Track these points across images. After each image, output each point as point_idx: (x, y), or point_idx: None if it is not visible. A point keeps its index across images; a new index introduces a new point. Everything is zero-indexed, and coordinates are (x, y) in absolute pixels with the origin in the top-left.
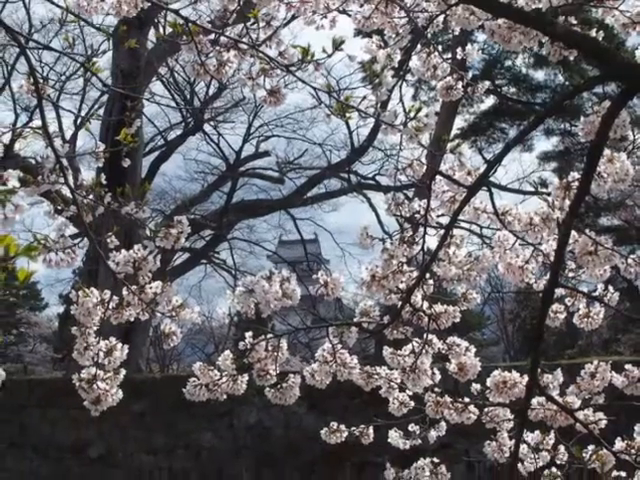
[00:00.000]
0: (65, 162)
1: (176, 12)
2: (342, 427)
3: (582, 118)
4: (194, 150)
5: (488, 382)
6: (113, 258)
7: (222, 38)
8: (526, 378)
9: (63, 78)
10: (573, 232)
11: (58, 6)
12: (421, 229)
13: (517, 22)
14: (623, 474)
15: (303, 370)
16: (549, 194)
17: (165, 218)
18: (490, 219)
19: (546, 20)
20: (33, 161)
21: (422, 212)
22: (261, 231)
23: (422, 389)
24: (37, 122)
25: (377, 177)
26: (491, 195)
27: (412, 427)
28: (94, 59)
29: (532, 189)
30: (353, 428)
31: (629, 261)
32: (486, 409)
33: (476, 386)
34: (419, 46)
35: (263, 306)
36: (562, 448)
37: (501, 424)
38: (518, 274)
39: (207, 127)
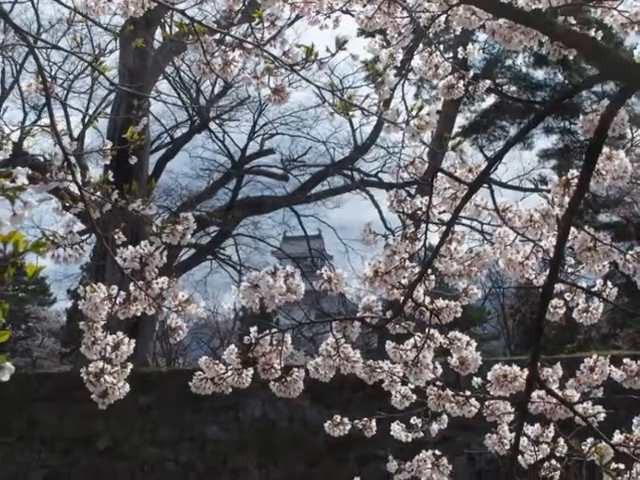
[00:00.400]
0: (73, 159)
1: (182, 12)
2: (345, 420)
3: (581, 116)
4: (200, 148)
5: (489, 376)
6: (120, 254)
7: (227, 38)
8: (526, 372)
9: (71, 77)
10: (572, 228)
11: (66, 6)
12: (423, 225)
13: (517, 22)
14: (622, 466)
15: (307, 364)
16: (549, 191)
17: (171, 215)
18: (491, 216)
19: (546, 20)
20: (42, 158)
21: (424, 209)
22: (266, 227)
23: (424, 383)
24: (45, 120)
25: (380, 174)
26: (492, 192)
27: (414, 420)
28: (101, 58)
29: (532, 186)
30: (356, 421)
31: (627, 257)
32: (487, 402)
33: (477, 380)
34: (421, 45)
35: (268, 301)
36: (562, 441)
37: (502, 417)
38: (518, 270)
39: (213, 125)
